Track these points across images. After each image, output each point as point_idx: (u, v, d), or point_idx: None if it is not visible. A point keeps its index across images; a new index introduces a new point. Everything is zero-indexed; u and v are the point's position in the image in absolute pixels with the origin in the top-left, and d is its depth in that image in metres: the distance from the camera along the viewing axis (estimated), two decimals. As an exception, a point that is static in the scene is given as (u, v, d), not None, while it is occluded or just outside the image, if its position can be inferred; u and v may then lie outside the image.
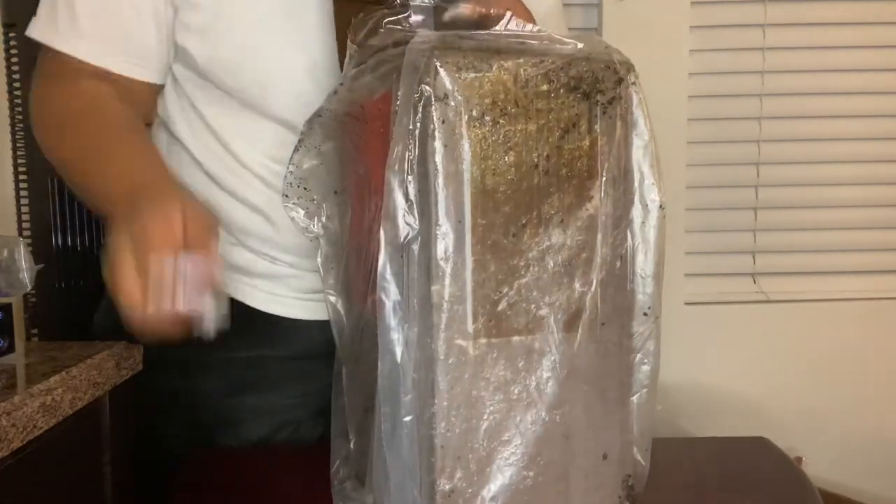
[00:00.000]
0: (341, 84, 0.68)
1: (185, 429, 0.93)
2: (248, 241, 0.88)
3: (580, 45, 0.62)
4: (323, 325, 0.90)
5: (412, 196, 0.58)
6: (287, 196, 0.73)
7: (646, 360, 0.66)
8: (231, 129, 0.85)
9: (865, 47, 1.47)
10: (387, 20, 0.65)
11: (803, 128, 1.49)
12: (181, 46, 0.83)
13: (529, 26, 0.62)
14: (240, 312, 0.89)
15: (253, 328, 0.90)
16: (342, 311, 0.72)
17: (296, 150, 0.72)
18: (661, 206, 0.65)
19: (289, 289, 0.90)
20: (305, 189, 0.72)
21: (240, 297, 0.89)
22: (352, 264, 0.70)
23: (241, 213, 0.87)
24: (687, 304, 1.48)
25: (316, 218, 0.73)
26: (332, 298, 0.71)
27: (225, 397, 0.91)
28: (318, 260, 0.73)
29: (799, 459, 1.43)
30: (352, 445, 0.71)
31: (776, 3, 1.44)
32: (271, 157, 0.84)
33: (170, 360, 0.90)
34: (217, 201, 0.88)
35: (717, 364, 1.49)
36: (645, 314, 0.66)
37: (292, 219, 0.74)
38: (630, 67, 0.64)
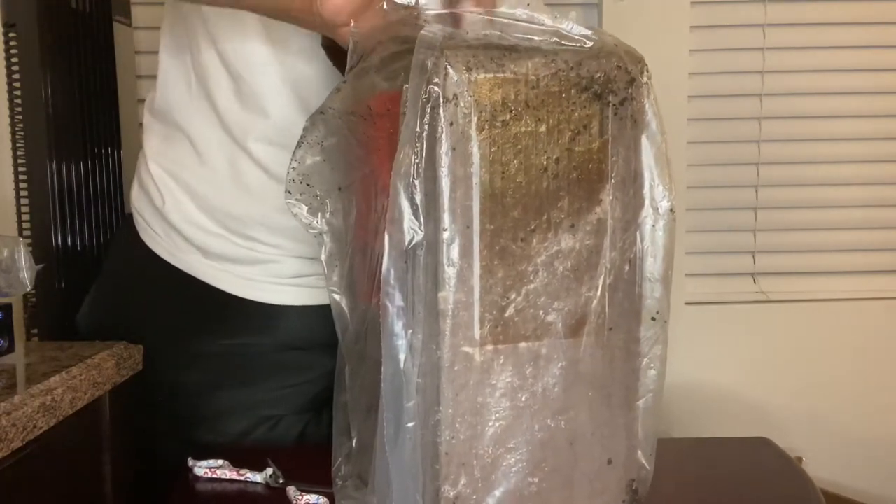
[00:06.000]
0: (344, 82, 0.67)
1: (163, 423, 0.92)
2: (232, 225, 0.88)
3: (591, 42, 0.60)
4: (302, 312, 0.89)
5: (418, 200, 0.56)
6: (290, 192, 0.72)
7: (652, 365, 0.65)
8: (234, 111, 0.85)
9: (865, 47, 1.47)
10: None
11: (803, 128, 1.49)
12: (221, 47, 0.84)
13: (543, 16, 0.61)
14: (214, 299, 0.89)
15: (229, 315, 0.89)
16: (346, 310, 0.71)
17: (298, 145, 0.71)
18: (671, 210, 0.63)
19: (266, 274, 0.89)
20: (308, 185, 0.71)
21: (214, 283, 0.89)
22: (357, 262, 0.69)
23: (230, 195, 0.87)
24: (687, 304, 1.48)
25: (319, 214, 0.72)
26: (337, 296, 0.70)
27: (202, 390, 0.90)
28: (322, 257, 0.72)
29: (799, 459, 1.43)
30: (354, 444, 0.70)
31: (776, 3, 1.44)
32: (268, 141, 0.85)
33: (147, 352, 0.90)
34: (207, 182, 0.87)
35: (717, 364, 1.49)
36: (653, 319, 0.65)
37: (295, 215, 0.73)
38: (643, 66, 0.62)
